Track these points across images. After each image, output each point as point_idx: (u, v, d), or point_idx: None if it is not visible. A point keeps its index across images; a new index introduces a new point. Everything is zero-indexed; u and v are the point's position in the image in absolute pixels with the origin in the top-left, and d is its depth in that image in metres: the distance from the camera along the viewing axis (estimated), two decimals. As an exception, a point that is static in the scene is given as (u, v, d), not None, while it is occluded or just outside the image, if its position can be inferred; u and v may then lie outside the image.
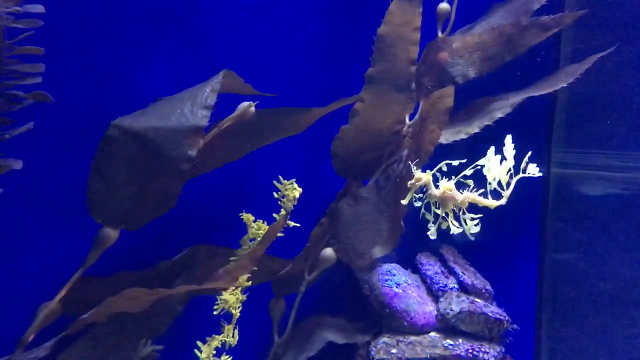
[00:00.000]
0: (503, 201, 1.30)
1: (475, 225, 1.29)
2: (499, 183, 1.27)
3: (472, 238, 1.30)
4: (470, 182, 1.30)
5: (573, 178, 1.73)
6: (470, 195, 1.30)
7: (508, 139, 1.28)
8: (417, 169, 1.32)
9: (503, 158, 1.28)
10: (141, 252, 1.47)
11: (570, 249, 1.74)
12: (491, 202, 1.31)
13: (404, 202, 1.31)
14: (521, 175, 1.27)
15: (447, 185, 1.30)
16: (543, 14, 1.54)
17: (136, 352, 1.37)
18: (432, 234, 1.32)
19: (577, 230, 1.72)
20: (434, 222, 1.32)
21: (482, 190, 1.30)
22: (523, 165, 1.27)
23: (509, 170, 1.27)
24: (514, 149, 1.27)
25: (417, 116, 1.52)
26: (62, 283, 1.30)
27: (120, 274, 1.39)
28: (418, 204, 1.33)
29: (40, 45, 1.03)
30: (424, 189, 1.32)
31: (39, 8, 0.93)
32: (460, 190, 1.30)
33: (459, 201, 1.30)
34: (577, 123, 1.70)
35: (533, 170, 1.27)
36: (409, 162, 1.35)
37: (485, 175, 1.28)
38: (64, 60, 1.32)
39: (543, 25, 1.50)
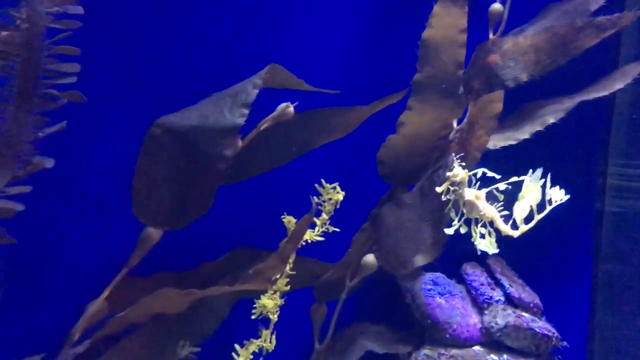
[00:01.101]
0: (516, 234, 1.25)
1: (491, 244, 1.25)
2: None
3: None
4: (501, 196, 1.25)
5: (631, 189, 1.63)
6: (493, 213, 1.26)
7: (537, 174, 1.22)
8: (459, 163, 1.29)
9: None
10: (186, 254, 1.49)
11: (627, 262, 1.64)
12: (505, 229, 1.27)
13: (438, 189, 1.28)
14: (547, 209, 1.22)
15: (477, 193, 1.26)
16: (602, 15, 1.46)
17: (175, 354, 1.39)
18: (449, 231, 1.29)
19: (635, 242, 1.63)
20: (458, 221, 1.29)
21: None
22: (547, 195, 1.21)
23: (529, 208, 1.22)
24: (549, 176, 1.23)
25: (465, 121, 1.48)
26: (108, 283, 1.34)
27: (163, 274, 1.41)
28: (453, 215, 1.29)
29: (86, 43, 1.05)
30: (458, 185, 1.29)
31: (79, 9, 0.96)
32: (490, 202, 1.26)
33: (481, 213, 1.27)
34: (638, 130, 1.61)
35: (558, 197, 1.21)
36: (453, 156, 1.32)
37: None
38: (111, 57, 1.37)
39: (599, 27, 1.42)
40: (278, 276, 1.37)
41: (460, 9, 1.39)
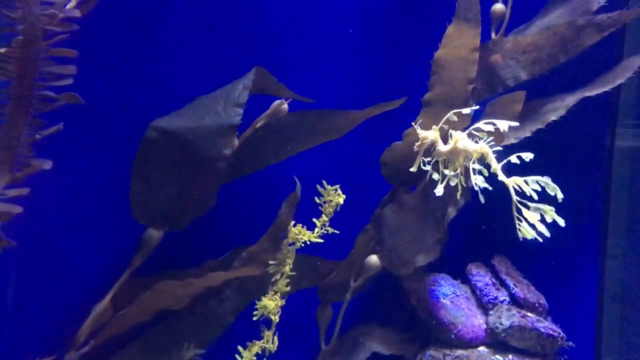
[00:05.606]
0: (502, 178, 1.14)
1: (483, 181, 1.15)
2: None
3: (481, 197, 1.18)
4: (484, 134, 1.16)
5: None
6: (485, 148, 1.16)
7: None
8: (419, 128, 1.22)
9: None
10: (189, 254, 1.49)
11: (633, 261, 1.61)
12: (496, 166, 1.14)
13: (412, 169, 1.22)
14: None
15: (457, 136, 1.18)
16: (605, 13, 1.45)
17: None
18: (438, 191, 1.20)
19: (640, 241, 1.60)
20: (441, 182, 1.20)
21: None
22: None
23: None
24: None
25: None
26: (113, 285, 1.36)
27: (166, 273, 1.41)
28: (436, 176, 1.22)
29: (81, 46, 1.07)
30: (432, 149, 1.21)
31: (76, 12, 0.98)
32: (475, 140, 1.17)
33: (470, 150, 1.17)
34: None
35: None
36: (412, 124, 1.25)
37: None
38: (102, 61, 1.38)
39: (599, 25, 1.40)
40: (278, 275, 1.38)
41: (474, 29, 1.37)
